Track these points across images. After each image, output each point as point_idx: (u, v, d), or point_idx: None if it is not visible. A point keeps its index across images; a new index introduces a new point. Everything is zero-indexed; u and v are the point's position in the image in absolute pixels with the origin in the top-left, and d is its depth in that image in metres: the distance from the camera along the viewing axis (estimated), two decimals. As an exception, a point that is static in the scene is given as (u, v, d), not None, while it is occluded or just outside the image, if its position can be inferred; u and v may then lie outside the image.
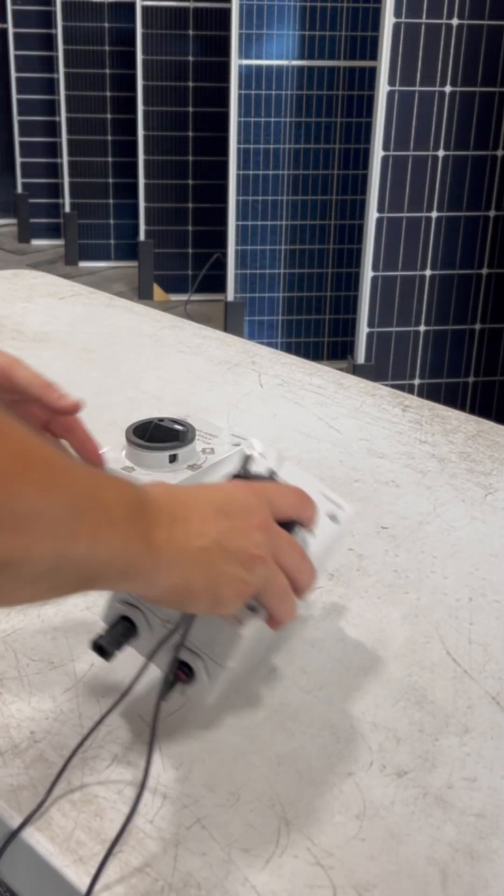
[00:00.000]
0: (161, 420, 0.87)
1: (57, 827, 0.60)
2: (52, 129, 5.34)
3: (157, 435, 0.86)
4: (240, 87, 3.63)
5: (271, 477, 0.70)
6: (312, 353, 3.90)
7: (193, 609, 0.61)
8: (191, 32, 4.40)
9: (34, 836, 0.60)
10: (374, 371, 2.89)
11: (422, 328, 2.92)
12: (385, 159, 2.72)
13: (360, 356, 2.90)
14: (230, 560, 0.59)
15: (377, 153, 2.71)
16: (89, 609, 0.82)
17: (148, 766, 0.62)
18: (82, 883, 0.57)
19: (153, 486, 0.59)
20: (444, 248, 2.86)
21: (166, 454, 0.82)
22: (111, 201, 5.08)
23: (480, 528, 0.98)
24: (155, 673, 0.71)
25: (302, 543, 0.66)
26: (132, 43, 4.42)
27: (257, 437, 0.77)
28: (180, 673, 0.65)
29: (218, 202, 4.39)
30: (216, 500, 0.61)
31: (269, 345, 1.73)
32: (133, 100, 4.51)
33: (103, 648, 0.65)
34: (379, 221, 2.78)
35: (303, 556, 0.64)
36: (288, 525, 0.65)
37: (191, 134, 4.56)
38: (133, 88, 4.49)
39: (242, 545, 0.60)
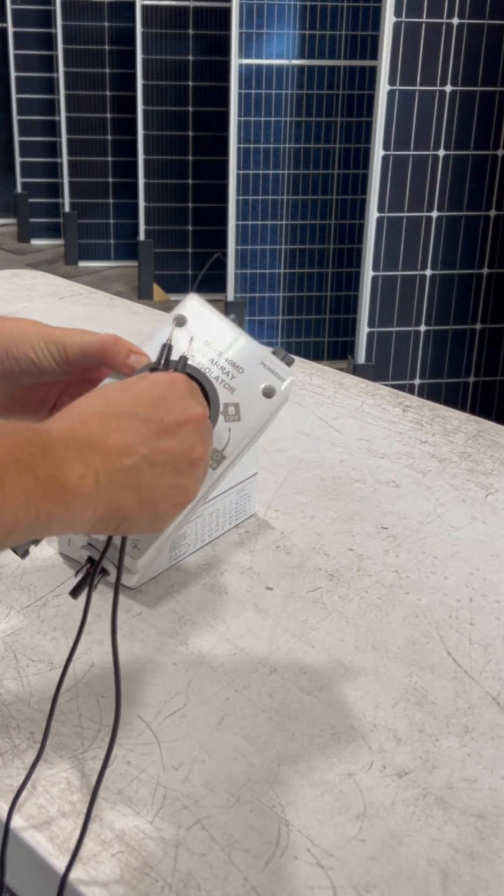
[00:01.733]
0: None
1: (57, 828, 0.61)
2: (52, 128, 5.34)
3: None
4: (240, 87, 3.63)
5: (184, 364, 0.66)
6: (312, 353, 3.90)
7: (133, 533, 0.58)
8: (191, 32, 4.40)
9: (34, 837, 0.60)
10: (374, 371, 2.89)
11: (422, 328, 2.92)
12: (385, 159, 2.72)
13: (361, 356, 2.90)
14: (165, 471, 0.56)
15: (377, 153, 2.71)
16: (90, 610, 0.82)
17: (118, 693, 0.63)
18: (81, 883, 0.57)
19: (54, 421, 0.54)
20: (444, 248, 2.86)
21: None
22: (111, 201, 5.08)
23: (481, 528, 0.98)
24: (153, 675, 0.72)
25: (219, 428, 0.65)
26: (132, 42, 4.42)
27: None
28: (89, 568, 0.64)
29: (218, 202, 4.39)
30: (140, 407, 0.56)
31: (270, 345, 1.73)
32: (133, 99, 4.51)
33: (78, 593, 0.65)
34: (379, 221, 2.78)
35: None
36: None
37: (191, 133, 4.56)
38: (133, 88, 4.49)
39: (176, 451, 0.56)
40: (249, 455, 0.86)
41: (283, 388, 0.69)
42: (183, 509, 0.59)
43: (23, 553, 0.63)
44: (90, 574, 0.64)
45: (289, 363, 0.69)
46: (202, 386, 0.65)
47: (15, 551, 0.63)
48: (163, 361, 0.66)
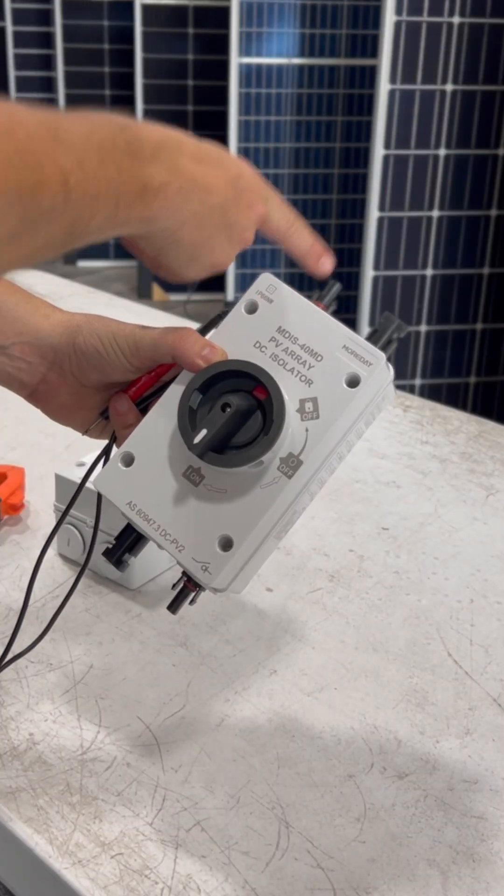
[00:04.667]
0: None
1: (56, 829, 0.61)
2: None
3: None
4: (240, 86, 3.64)
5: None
6: (313, 353, 3.89)
7: (168, 262, 0.57)
8: (190, 30, 4.40)
9: (33, 839, 0.60)
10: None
11: (423, 328, 2.93)
12: (386, 158, 2.72)
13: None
14: (224, 231, 0.56)
15: (378, 152, 2.71)
16: (88, 611, 0.82)
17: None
18: (82, 886, 0.57)
19: (156, 130, 0.53)
20: (445, 247, 2.86)
21: None
22: (111, 200, 5.07)
23: (482, 529, 0.98)
24: (153, 677, 0.72)
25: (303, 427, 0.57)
26: (131, 41, 4.42)
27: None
28: (188, 584, 0.60)
29: (218, 201, 4.39)
30: (232, 170, 0.56)
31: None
32: (132, 98, 4.51)
33: (112, 554, 0.62)
34: (380, 221, 2.78)
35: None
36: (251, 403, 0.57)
37: (190, 133, 4.56)
38: (132, 87, 4.49)
39: (237, 222, 0.57)
40: None
41: (369, 376, 0.57)
42: (207, 272, 0.59)
43: (120, 565, 0.63)
44: (188, 588, 0.60)
45: (399, 331, 0.60)
46: (261, 382, 0.57)
47: (110, 560, 0.62)
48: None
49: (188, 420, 0.57)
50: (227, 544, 0.57)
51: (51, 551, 0.89)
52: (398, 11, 2.59)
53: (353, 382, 0.57)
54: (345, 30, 3.67)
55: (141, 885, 0.57)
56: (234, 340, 0.59)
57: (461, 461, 1.12)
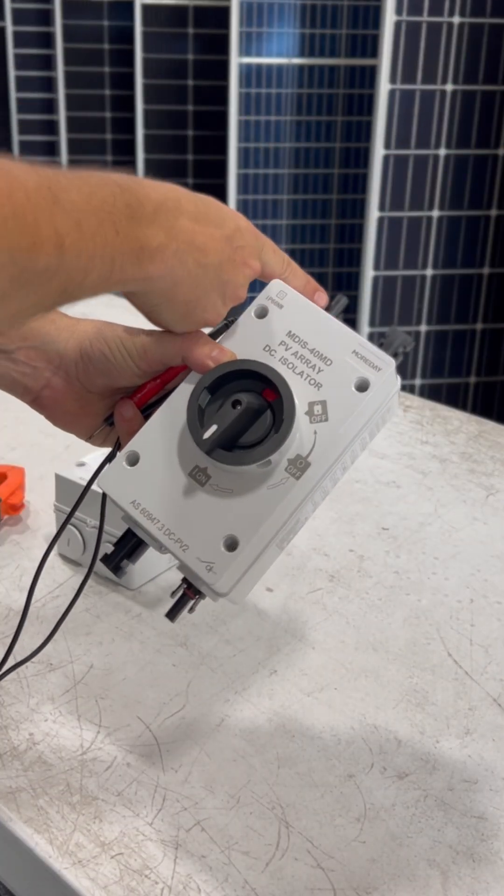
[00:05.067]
0: None
1: (56, 829, 0.61)
2: (51, 127, 5.34)
3: None
4: (239, 86, 3.63)
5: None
6: (313, 353, 3.89)
7: (161, 313, 0.58)
8: (190, 30, 4.40)
9: (33, 839, 0.60)
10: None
11: (423, 328, 2.92)
12: (386, 158, 2.72)
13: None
14: (216, 287, 0.57)
15: (378, 152, 2.71)
16: (88, 611, 0.82)
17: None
18: (82, 886, 0.57)
19: (156, 189, 0.53)
20: (445, 247, 2.86)
21: None
22: (111, 200, 5.07)
23: (482, 529, 0.98)
24: (153, 677, 0.71)
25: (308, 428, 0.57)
26: (131, 41, 4.42)
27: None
28: (188, 591, 0.60)
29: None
30: (228, 226, 0.57)
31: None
32: (132, 98, 4.51)
33: (110, 560, 0.62)
34: (380, 221, 2.78)
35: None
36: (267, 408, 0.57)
37: (190, 132, 4.56)
38: (132, 87, 4.49)
39: (232, 280, 0.58)
40: None
41: (379, 381, 0.57)
42: (199, 328, 0.60)
43: (118, 571, 0.62)
44: (188, 596, 0.60)
45: (405, 345, 0.61)
46: (272, 383, 0.57)
47: (108, 566, 0.62)
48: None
49: (197, 418, 0.57)
50: (232, 544, 0.57)
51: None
52: (398, 11, 2.59)
53: (363, 387, 0.57)
54: (345, 30, 3.67)
55: (141, 886, 0.57)
56: (244, 343, 0.60)
57: (461, 461, 1.12)
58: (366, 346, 0.58)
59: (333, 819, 0.62)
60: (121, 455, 0.60)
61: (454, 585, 0.88)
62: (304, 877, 0.58)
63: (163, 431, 0.60)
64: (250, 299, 0.62)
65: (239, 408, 0.56)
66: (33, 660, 0.75)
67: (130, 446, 0.60)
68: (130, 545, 0.63)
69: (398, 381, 0.59)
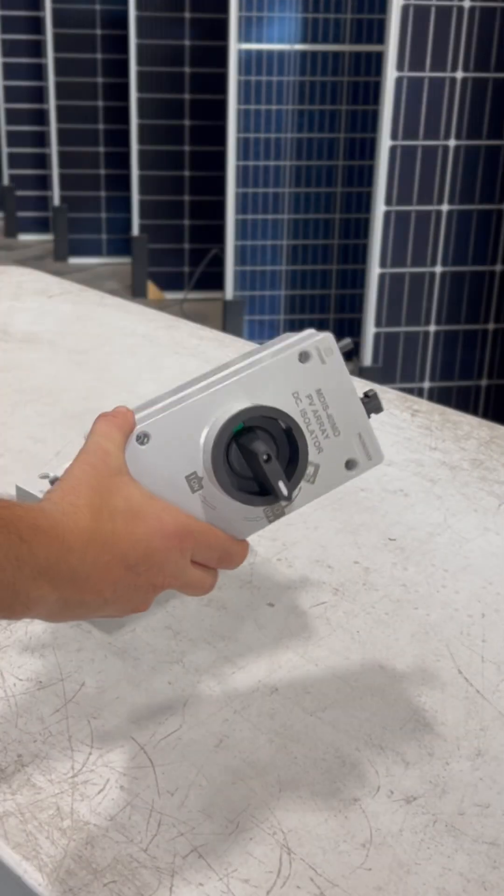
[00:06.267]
0: None
1: (46, 856, 0.61)
2: (41, 117, 5.35)
3: None
4: (239, 73, 3.64)
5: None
6: (316, 354, 3.89)
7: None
8: (187, 15, 4.41)
9: (21, 866, 0.60)
10: (381, 373, 2.90)
11: (432, 328, 2.93)
12: (393, 149, 2.73)
13: (367, 358, 2.91)
14: (109, 610, 0.59)
15: (384, 143, 2.72)
16: (79, 626, 0.82)
17: None
18: (72, 915, 0.57)
19: (71, 526, 0.56)
20: (455, 243, 2.86)
21: None
22: (103, 194, 5.09)
23: (494, 540, 0.98)
24: (148, 695, 0.71)
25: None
26: (125, 26, 4.43)
27: None
28: None
29: (216, 195, 4.40)
30: (133, 555, 0.58)
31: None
32: (126, 86, 4.52)
33: None
34: (386, 215, 2.79)
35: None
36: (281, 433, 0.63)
37: (187, 123, 4.57)
38: (126, 74, 4.50)
39: (132, 600, 0.60)
40: None
41: (365, 468, 0.68)
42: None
43: None
44: None
45: (376, 410, 0.68)
46: (296, 442, 0.63)
47: None
48: None
49: (224, 446, 0.62)
50: None
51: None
52: (406, -5, 2.60)
53: (351, 467, 0.67)
54: (349, 14, 3.68)
55: (135, 915, 0.57)
56: (278, 380, 0.64)
57: (472, 468, 1.13)
58: (369, 433, 0.67)
59: (338, 845, 0.62)
60: (133, 433, 0.63)
61: (465, 599, 0.88)
62: (306, 906, 0.58)
63: (176, 425, 0.63)
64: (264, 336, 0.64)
65: (267, 464, 0.62)
66: (21, 677, 0.76)
67: (145, 427, 0.63)
68: None
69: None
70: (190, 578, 0.63)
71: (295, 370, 0.65)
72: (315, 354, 0.65)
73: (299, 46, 3.68)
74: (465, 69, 2.70)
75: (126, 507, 0.59)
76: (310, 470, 0.65)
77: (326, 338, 0.65)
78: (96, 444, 0.61)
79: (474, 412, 2.79)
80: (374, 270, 2.83)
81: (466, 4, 2.64)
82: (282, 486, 0.61)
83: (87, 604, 0.57)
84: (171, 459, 0.62)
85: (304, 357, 0.65)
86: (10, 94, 5.37)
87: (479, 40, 2.69)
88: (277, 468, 0.62)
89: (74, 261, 5.18)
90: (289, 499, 0.62)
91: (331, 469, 0.66)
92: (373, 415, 0.67)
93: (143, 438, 0.62)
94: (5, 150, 5.46)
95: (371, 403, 0.67)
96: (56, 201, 5.09)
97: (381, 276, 2.84)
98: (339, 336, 0.67)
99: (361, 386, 1.35)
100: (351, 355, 0.69)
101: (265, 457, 0.61)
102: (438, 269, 2.87)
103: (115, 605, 0.59)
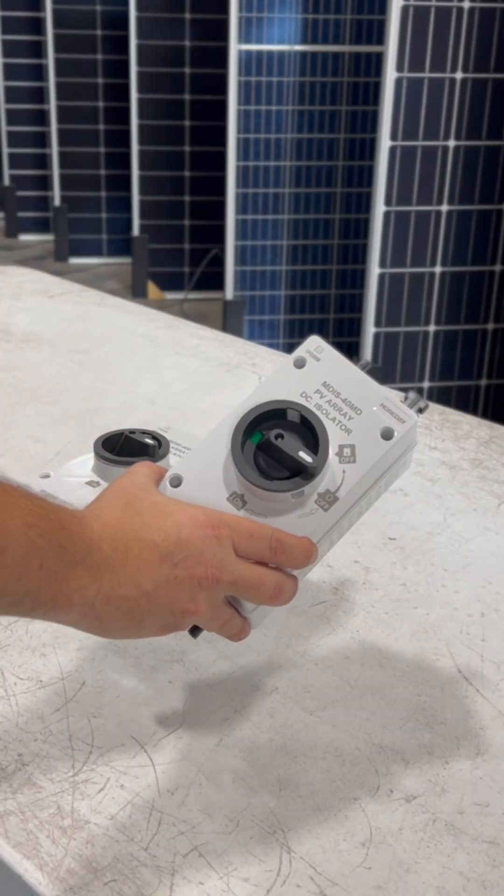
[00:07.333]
0: (132, 432, 0.89)
1: (46, 855, 0.61)
2: (41, 117, 5.35)
3: (127, 448, 0.88)
4: (239, 74, 3.64)
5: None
6: (316, 354, 3.89)
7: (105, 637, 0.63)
8: (187, 16, 4.41)
9: (22, 865, 0.60)
10: (380, 373, 2.90)
11: (431, 328, 2.93)
12: (393, 150, 2.73)
13: (367, 358, 2.91)
14: (158, 611, 0.58)
15: (384, 143, 2.72)
16: (80, 625, 0.82)
17: None
18: (73, 914, 0.57)
19: (98, 521, 0.57)
20: (454, 243, 2.86)
21: None
22: (103, 194, 5.09)
23: (493, 539, 0.98)
24: (148, 694, 0.71)
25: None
26: (125, 27, 4.43)
27: None
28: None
29: (216, 195, 4.40)
30: (164, 543, 0.58)
31: (270, 345, 1.73)
32: (126, 87, 4.52)
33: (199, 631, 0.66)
34: (386, 215, 2.79)
35: (236, 619, 0.64)
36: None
37: (187, 123, 4.57)
38: (126, 75, 4.50)
39: (177, 598, 0.59)
40: None
41: (402, 431, 0.66)
42: (161, 635, 0.62)
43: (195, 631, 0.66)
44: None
45: (420, 409, 0.68)
46: (312, 427, 0.65)
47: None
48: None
49: (241, 448, 0.64)
50: None
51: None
52: (405, -4, 2.59)
53: (388, 435, 0.66)
54: (349, 15, 3.68)
55: (135, 914, 0.57)
56: (282, 390, 0.67)
57: (472, 468, 1.13)
58: (392, 401, 0.66)
59: (337, 844, 0.62)
60: (166, 477, 0.66)
61: (464, 598, 0.88)
62: (306, 905, 0.58)
63: (204, 458, 0.66)
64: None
65: (281, 440, 0.63)
66: (22, 676, 0.76)
67: (176, 469, 0.66)
68: None
69: (416, 438, 0.68)
70: (243, 574, 0.61)
71: (295, 377, 0.67)
72: (308, 357, 0.67)
73: (299, 47, 3.67)
74: (465, 70, 2.70)
75: (152, 506, 0.60)
76: (346, 451, 0.65)
77: (313, 339, 0.68)
78: (125, 475, 0.64)
79: (474, 412, 2.79)
80: (374, 270, 2.83)
81: (466, 5, 2.64)
82: (303, 455, 0.62)
83: (129, 599, 0.57)
84: (207, 489, 0.65)
85: (299, 363, 0.67)
86: (11, 95, 5.37)
87: (479, 41, 2.68)
88: (293, 441, 0.63)
89: (75, 261, 5.18)
90: (315, 466, 0.62)
91: (368, 444, 0.66)
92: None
93: (176, 481, 0.65)
94: (6, 150, 5.46)
95: (374, 373, 0.69)
96: (56, 201, 5.09)
97: (381, 277, 2.84)
98: (339, 336, 0.68)
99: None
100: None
101: (276, 435, 0.63)
102: (438, 269, 2.87)
103: (159, 600, 0.58)
